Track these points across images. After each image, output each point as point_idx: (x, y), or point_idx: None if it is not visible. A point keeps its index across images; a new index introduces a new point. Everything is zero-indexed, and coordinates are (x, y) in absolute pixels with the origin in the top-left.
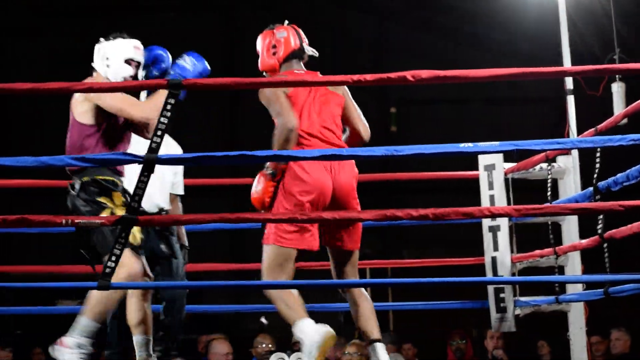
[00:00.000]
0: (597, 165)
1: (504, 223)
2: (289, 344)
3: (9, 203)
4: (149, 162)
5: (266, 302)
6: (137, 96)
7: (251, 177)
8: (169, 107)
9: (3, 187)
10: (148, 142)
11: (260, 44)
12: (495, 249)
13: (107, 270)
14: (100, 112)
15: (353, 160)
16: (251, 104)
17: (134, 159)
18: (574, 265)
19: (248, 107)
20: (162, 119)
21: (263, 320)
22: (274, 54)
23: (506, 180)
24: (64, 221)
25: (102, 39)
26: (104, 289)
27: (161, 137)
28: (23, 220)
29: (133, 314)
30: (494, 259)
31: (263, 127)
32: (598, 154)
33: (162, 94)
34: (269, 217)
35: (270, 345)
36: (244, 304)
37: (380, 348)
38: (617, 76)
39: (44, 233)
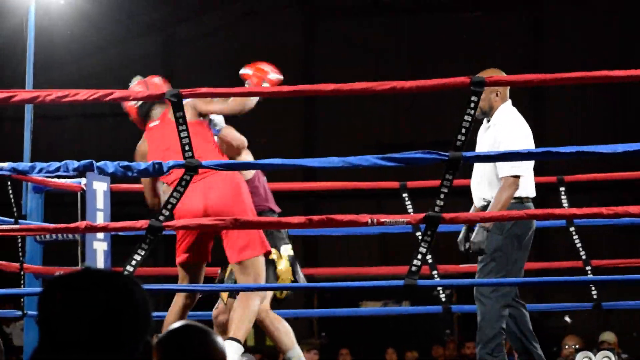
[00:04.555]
0: None
1: None
2: (595, 342)
3: (316, 204)
4: (454, 161)
5: (570, 301)
6: None
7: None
8: (472, 105)
9: (310, 190)
10: None
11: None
12: None
13: (413, 269)
14: None
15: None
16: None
17: (438, 157)
18: None
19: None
20: (466, 117)
21: (567, 319)
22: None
23: None
24: (369, 220)
25: None
26: (410, 289)
27: (465, 135)
28: (328, 220)
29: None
30: None
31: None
32: None
33: None
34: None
35: (577, 346)
36: (548, 302)
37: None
38: None
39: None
